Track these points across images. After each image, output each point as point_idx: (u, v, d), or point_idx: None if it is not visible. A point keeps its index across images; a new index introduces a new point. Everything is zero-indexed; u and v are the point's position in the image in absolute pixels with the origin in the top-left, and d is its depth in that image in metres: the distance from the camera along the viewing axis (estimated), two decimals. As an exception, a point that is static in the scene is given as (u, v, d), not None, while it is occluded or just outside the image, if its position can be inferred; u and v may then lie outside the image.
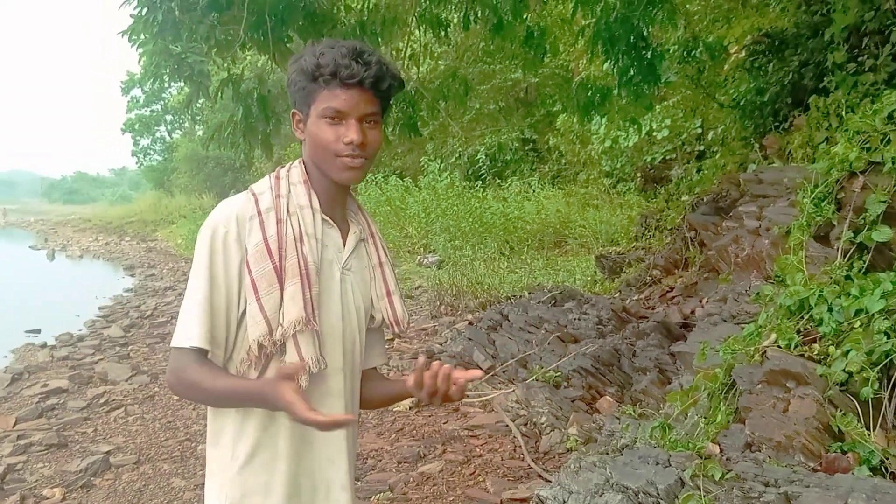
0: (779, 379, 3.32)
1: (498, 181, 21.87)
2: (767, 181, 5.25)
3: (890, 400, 3.01)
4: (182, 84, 6.06)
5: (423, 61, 9.54)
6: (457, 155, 23.53)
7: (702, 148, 14.08)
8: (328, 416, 1.67)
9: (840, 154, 3.97)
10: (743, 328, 4.07)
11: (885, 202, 3.70)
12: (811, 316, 3.54)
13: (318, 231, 1.90)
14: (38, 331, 12.59)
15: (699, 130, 14.17)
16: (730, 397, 3.62)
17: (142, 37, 5.39)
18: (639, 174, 16.09)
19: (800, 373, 3.23)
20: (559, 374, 6.35)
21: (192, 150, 40.40)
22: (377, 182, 22.26)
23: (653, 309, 7.58)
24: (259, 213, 1.85)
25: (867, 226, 3.75)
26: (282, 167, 1.97)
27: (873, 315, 3.27)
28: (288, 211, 1.87)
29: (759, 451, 3.21)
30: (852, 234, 3.81)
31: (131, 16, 5.42)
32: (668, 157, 15.01)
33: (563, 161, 21.08)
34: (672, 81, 11.24)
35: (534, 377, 6.39)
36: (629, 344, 6.54)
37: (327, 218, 1.94)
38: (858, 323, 3.30)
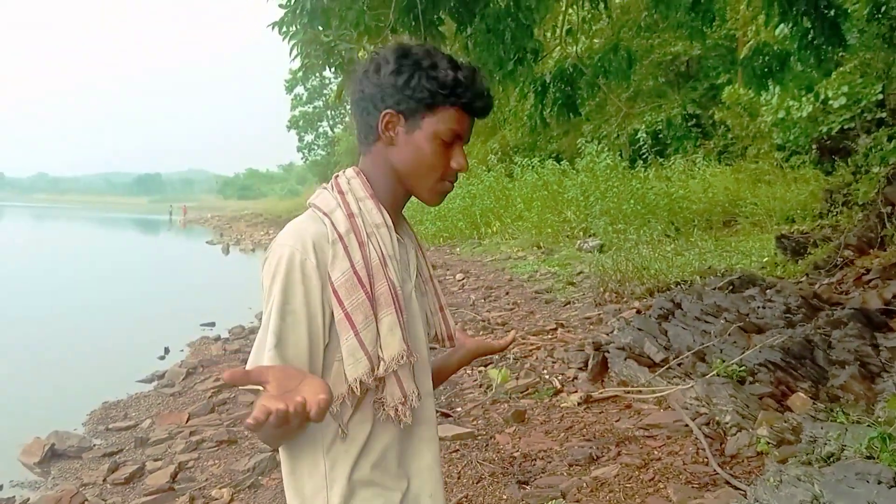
0: None
1: (660, 160, 21.09)
2: None
3: None
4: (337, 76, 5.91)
5: (578, 37, 9.08)
6: (616, 135, 22.87)
7: (883, 115, 13.08)
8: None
9: None
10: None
11: None
12: None
13: (397, 251, 1.72)
14: (213, 324, 13.07)
15: (881, 96, 13.14)
16: (969, 405, 3.03)
17: (293, 28, 5.27)
18: (814, 146, 15.05)
19: None
20: (743, 368, 5.80)
21: (353, 144, 41.43)
22: (534, 167, 21.98)
23: (847, 294, 6.85)
24: (341, 238, 1.64)
25: None
26: (336, 177, 1.76)
27: None
28: (366, 231, 1.67)
29: None
30: None
31: (280, 6, 5.32)
32: (846, 127, 13.96)
33: (730, 136, 20.18)
34: (852, 44, 10.26)
35: (714, 371, 5.86)
36: (823, 334, 5.89)
37: (398, 235, 1.77)
38: None
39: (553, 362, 7.59)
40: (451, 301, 10.69)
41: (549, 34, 9.61)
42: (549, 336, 8.72)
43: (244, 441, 6.69)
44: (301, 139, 57.98)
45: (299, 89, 55.10)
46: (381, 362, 1.63)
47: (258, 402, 1.30)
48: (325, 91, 53.11)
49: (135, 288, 19.56)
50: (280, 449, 1.70)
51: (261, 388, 1.37)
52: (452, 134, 1.71)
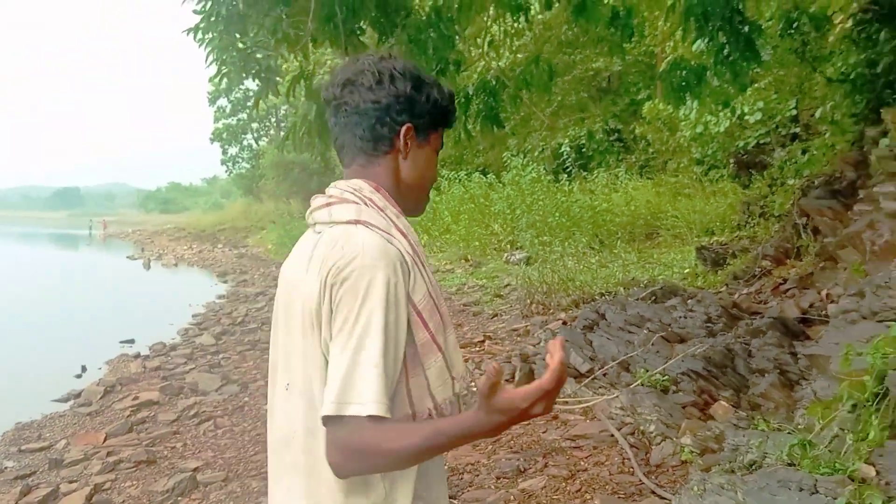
0: (952, 390, 2.80)
1: (584, 173, 21.39)
2: (907, 157, 4.66)
3: None
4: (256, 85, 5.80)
5: (502, 52, 9.13)
6: (540, 148, 23.12)
7: (797, 130, 13.48)
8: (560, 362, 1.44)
9: None
10: (889, 327, 3.53)
11: None
12: (982, 312, 3.01)
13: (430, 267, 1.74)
14: (133, 340, 12.71)
15: (794, 112, 13.54)
16: (882, 410, 3.10)
17: (209, 35, 5.14)
18: (731, 160, 15.45)
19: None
20: (667, 377, 5.87)
21: (278, 157, 41.04)
22: (460, 180, 22.04)
23: (766, 303, 7.00)
24: (415, 262, 1.65)
25: None
26: (354, 190, 1.73)
27: None
28: (420, 251, 1.71)
29: (931, 477, 2.70)
30: None
31: (195, 12, 5.18)
32: (761, 142, 14.40)
33: (651, 150, 20.54)
34: (766, 60, 10.55)
35: (639, 381, 5.92)
36: (743, 343, 6.00)
37: None
38: None
39: (480, 374, 7.55)
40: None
41: (472, 48, 9.65)
42: (477, 348, 8.71)
43: (163, 461, 6.49)
44: (225, 152, 57.05)
45: (222, 101, 54.28)
46: (454, 381, 1.68)
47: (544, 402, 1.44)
48: (248, 103, 52.44)
49: (51, 305, 18.90)
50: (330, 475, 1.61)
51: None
52: (439, 150, 1.83)
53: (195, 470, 6.11)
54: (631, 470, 5.04)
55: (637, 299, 7.72)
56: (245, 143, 57.31)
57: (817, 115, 9.92)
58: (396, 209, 1.73)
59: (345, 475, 1.59)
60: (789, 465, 3.42)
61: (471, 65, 8.56)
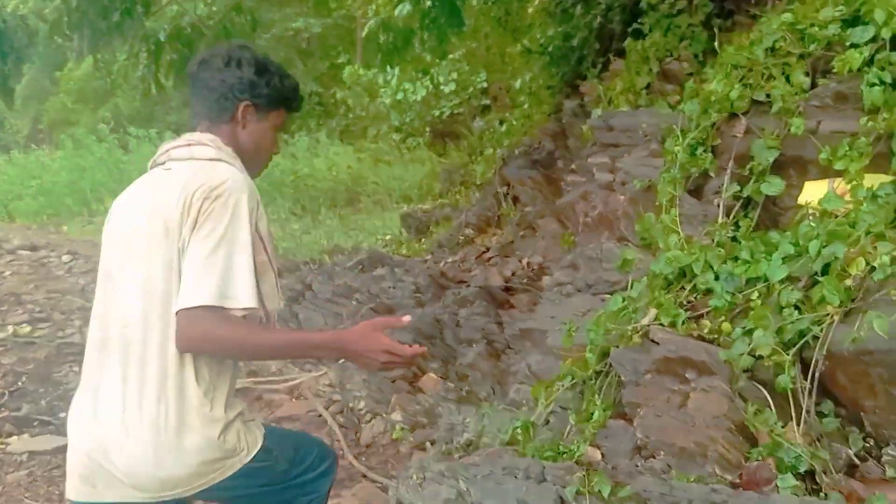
0: (674, 367, 2.75)
1: (286, 137, 20.83)
2: (619, 128, 4.71)
3: (811, 391, 2.51)
4: None
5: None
6: (240, 107, 22.18)
7: (488, 102, 14.15)
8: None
9: (718, 92, 3.44)
10: (605, 300, 3.50)
11: (775, 149, 3.21)
12: (694, 286, 3.01)
13: None
14: None
15: (485, 84, 14.17)
16: (605, 389, 3.02)
17: None
18: (427, 129, 15.77)
19: (704, 361, 2.66)
20: (376, 350, 5.63)
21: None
22: (151, 139, 20.55)
23: (471, 272, 7.01)
24: (258, 202, 2.09)
25: (754, 177, 3.26)
26: (217, 143, 2.13)
27: (772, 285, 2.77)
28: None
29: (655, 459, 2.63)
30: (738, 187, 3.31)
31: None
32: (455, 112, 14.81)
33: (351, 115, 20.40)
34: (463, 31, 10.75)
35: (347, 356, 5.63)
36: (451, 313, 5.92)
37: None
38: (756, 294, 2.79)
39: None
40: (56, 287, 9.42)
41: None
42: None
43: None
44: None
45: None
46: (280, 299, 2.11)
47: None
48: None
49: None
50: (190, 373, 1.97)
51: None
52: (280, 127, 2.29)
53: None
54: (341, 452, 4.75)
55: (345, 268, 7.44)
56: None
57: (517, 85, 10.23)
58: (239, 164, 2.13)
59: (200, 352, 1.95)
60: (508, 444, 3.27)
61: (164, 6, 7.74)
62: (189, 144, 2.09)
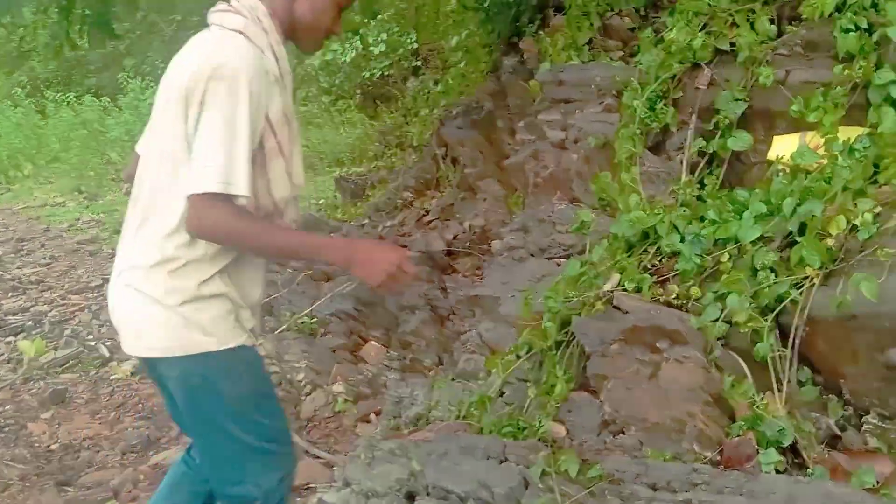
0: (643, 337, 2.56)
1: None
2: (571, 82, 4.49)
3: (791, 359, 2.35)
4: None
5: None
6: (161, 68, 21.44)
7: (419, 63, 14.03)
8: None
9: (680, 41, 3.24)
10: (560, 265, 3.31)
11: (743, 101, 3.03)
12: (658, 248, 2.82)
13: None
14: None
15: (415, 45, 13.98)
16: (566, 359, 2.83)
17: None
18: (358, 91, 15.53)
19: (677, 329, 2.48)
20: (315, 319, 5.42)
21: None
22: (69, 103, 19.75)
23: (410, 236, 6.79)
24: (277, 82, 1.99)
25: (720, 131, 3.08)
26: (255, 12, 2.00)
27: (744, 246, 2.60)
28: (283, 75, 2.03)
29: (625, 435, 2.45)
30: (703, 142, 3.13)
31: None
32: (386, 73, 14.60)
33: (280, 76, 19.98)
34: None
35: (285, 326, 5.41)
36: (393, 279, 5.71)
37: None
38: (727, 256, 2.62)
39: (100, 325, 6.54)
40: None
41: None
42: (95, 294, 7.59)
43: None
44: None
45: None
46: (292, 185, 2.07)
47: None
48: None
49: None
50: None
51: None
52: (345, 4, 2.13)
53: None
54: (281, 429, 4.53)
55: (278, 235, 7.17)
56: None
57: (452, 43, 9.95)
58: (280, 37, 2.02)
59: (209, 241, 1.92)
60: (461, 419, 3.07)
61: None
62: (226, 11, 2.01)
